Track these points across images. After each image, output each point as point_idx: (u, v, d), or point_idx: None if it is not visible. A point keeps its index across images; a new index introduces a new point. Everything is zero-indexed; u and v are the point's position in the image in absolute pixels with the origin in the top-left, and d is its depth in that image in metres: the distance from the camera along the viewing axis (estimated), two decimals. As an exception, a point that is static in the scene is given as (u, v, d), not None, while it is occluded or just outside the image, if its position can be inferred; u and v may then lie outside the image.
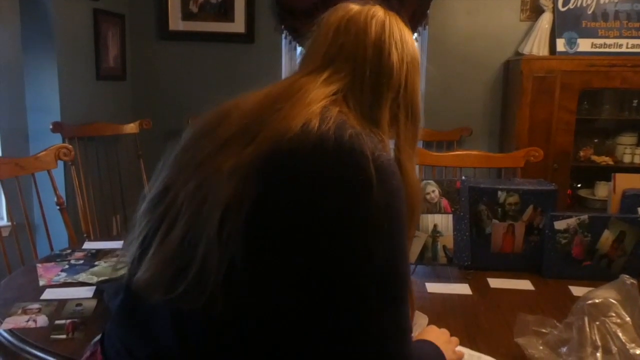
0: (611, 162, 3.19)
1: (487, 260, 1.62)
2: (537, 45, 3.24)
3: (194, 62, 3.48)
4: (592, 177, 3.23)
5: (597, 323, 1.06)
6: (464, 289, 1.48)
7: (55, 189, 2.05)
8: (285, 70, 3.51)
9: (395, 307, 0.71)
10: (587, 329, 1.06)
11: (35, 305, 1.31)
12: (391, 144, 0.85)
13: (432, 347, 0.93)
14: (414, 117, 0.88)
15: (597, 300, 1.10)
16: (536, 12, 3.31)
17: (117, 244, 1.79)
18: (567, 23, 3.20)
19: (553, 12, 3.23)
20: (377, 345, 0.69)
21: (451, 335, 1.05)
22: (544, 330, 1.14)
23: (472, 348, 1.15)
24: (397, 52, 0.85)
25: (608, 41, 3.18)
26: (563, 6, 3.20)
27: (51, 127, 2.67)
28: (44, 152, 2.04)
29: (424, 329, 1.05)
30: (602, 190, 3.16)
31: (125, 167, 3.10)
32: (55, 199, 2.05)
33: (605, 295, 1.12)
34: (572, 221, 1.57)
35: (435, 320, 1.27)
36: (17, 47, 2.73)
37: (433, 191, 1.62)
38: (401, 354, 0.71)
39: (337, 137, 0.71)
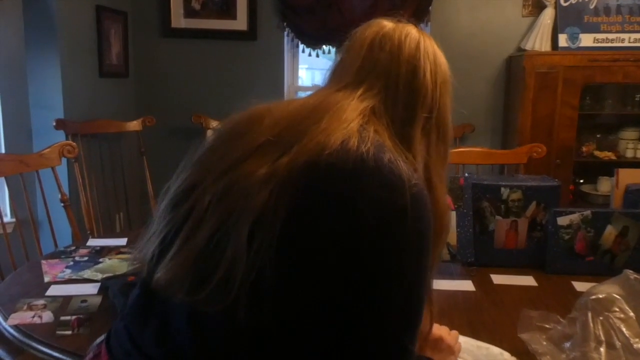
0: (614, 157, 3.18)
1: (490, 257, 1.62)
2: (539, 40, 3.24)
3: (196, 60, 3.48)
4: (595, 173, 3.23)
5: (601, 318, 1.07)
6: (467, 285, 1.49)
7: (59, 186, 2.05)
8: (287, 68, 3.52)
9: (408, 331, 0.72)
10: (591, 324, 1.06)
11: (41, 301, 1.32)
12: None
13: None
14: (444, 137, 0.88)
15: (600, 296, 1.10)
16: (538, 7, 3.30)
17: (121, 241, 1.80)
18: (569, 18, 3.19)
19: (555, 7, 3.22)
20: None
21: (456, 330, 1.05)
22: (547, 326, 1.15)
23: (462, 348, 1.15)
24: (430, 71, 0.86)
25: (610, 36, 3.17)
26: (565, 1, 3.20)
27: (54, 124, 2.68)
28: (48, 149, 2.05)
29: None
30: (604, 185, 3.15)
31: (128, 164, 3.11)
32: (59, 196, 2.05)
33: (608, 290, 1.12)
34: (575, 217, 1.57)
35: (439, 316, 1.27)
36: (20, 44, 2.74)
37: (436, 187, 1.62)
38: None
39: (377, 160, 0.71)
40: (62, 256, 1.65)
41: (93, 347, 0.87)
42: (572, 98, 3.03)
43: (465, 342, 1.10)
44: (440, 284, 1.49)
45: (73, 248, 1.73)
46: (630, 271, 1.17)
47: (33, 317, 1.24)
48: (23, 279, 1.49)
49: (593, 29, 3.18)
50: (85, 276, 1.49)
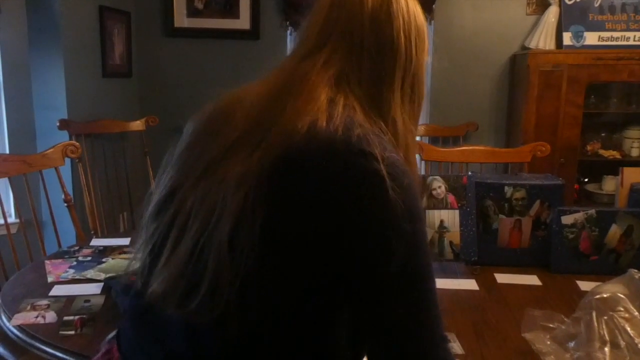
0: (619, 156, 3.17)
1: (494, 256, 1.62)
2: (543, 39, 3.22)
3: (199, 59, 3.48)
4: (600, 172, 3.21)
5: (605, 318, 1.06)
6: (471, 284, 1.48)
7: (62, 186, 2.05)
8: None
9: (420, 309, 0.68)
10: (595, 324, 1.05)
11: (44, 302, 1.32)
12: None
13: None
14: (419, 97, 0.82)
15: (605, 295, 1.10)
16: (542, 5, 3.29)
17: (124, 241, 1.80)
18: (574, 16, 3.18)
19: (559, 5, 3.20)
20: (400, 350, 0.67)
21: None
22: (551, 325, 1.14)
23: (479, 343, 1.15)
24: (402, 25, 0.78)
25: (615, 34, 3.16)
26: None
27: (58, 124, 2.68)
28: (51, 150, 2.05)
29: None
30: (609, 184, 3.14)
31: (131, 164, 3.11)
32: (63, 196, 2.06)
33: (613, 289, 1.12)
34: (579, 216, 1.56)
35: (443, 316, 1.27)
36: (23, 45, 2.74)
37: (439, 187, 1.62)
38: (430, 356, 0.68)
39: (346, 139, 0.68)
40: (66, 256, 1.65)
41: (105, 342, 0.87)
42: (576, 96, 3.02)
43: None
44: (444, 283, 1.48)
45: (76, 248, 1.73)
46: (635, 270, 1.16)
47: (36, 317, 1.24)
48: (26, 279, 1.49)
49: (598, 27, 3.16)
50: (89, 276, 1.49)
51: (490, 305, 1.35)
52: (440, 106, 3.47)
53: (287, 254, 0.66)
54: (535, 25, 3.31)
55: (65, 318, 1.23)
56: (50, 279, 1.47)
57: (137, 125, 3.05)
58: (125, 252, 1.68)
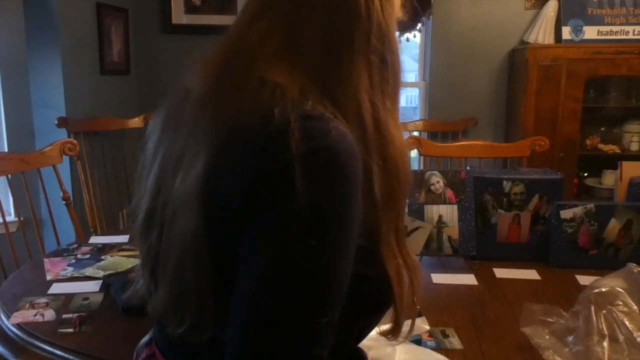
0: (618, 151, 3.17)
1: (492, 251, 1.62)
2: (542, 33, 3.22)
3: (197, 55, 3.47)
4: (599, 166, 3.21)
5: (604, 312, 1.06)
6: (469, 279, 1.48)
7: (61, 184, 2.05)
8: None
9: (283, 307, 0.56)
10: (594, 318, 1.05)
11: (43, 300, 1.32)
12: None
13: None
14: (391, 58, 0.68)
15: (603, 289, 1.10)
16: (541, 0, 3.28)
17: (123, 238, 1.80)
18: (573, 10, 3.17)
19: (558, -1, 3.20)
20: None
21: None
22: (550, 320, 1.14)
23: (478, 338, 1.15)
24: None
25: (614, 28, 3.15)
26: (568, -7, 3.18)
27: (56, 122, 2.68)
28: (49, 147, 2.05)
29: None
30: (608, 178, 3.14)
31: (130, 161, 3.11)
32: (62, 194, 2.06)
33: (612, 283, 1.12)
34: (578, 210, 1.56)
35: (442, 311, 1.27)
36: (21, 42, 2.74)
37: (438, 182, 1.61)
38: None
39: (259, 140, 0.58)
40: (65, 254, 1.65)
41: (141, 346, 0.82)
42: (575, 91, 3.01)
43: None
44: (443, 278, 1.49)
45: (75, 246, 1.73)
46: (634, 264, 1.16)
47: (35, 315, 1.24)
48: (25, 277, 1.49)
49: (597, 21, 3.16)
50: (88, 274, 1.49)
51: (489, 300, 1.36)
52: (438, 101, 3.47)
53: (235, 262, 0.60)
54: (534, 19, 3.30)
55: (64, 316, 1.24)
56: (49, 277, 1.47)
57: (136, 122, 3.05)
58: (124, 250, 1.68)
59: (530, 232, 1.62)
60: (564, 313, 1.14)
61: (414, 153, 2.60)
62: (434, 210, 1.60)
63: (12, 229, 2.10)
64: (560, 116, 3.04)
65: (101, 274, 1.48)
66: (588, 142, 3.23)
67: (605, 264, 1.51)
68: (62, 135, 2.63)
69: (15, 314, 1.24)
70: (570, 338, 1.07)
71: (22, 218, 1.98)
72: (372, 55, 0.65)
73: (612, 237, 1.56)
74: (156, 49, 3.50)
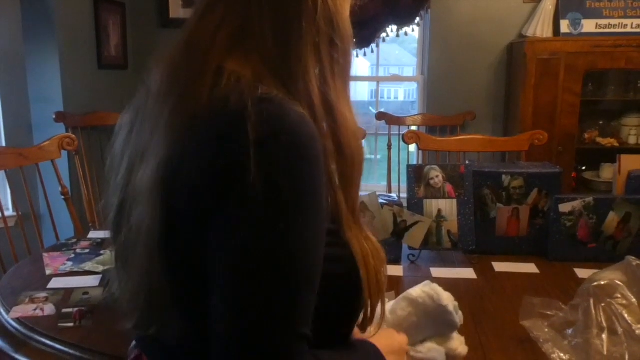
0: (616, 144, 3.17)
1: (492, 244, 1.62)
2: (541, 27, 3.21)
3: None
4: (597, 160, 3.21)
5: (603, 305, 1.06)
6: (469, 273, 1.49)
7: (59, 179, 2.05)
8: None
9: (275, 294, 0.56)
10: (593, 311, 1.06)
11: (43, 294, 1.32)
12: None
13: (367, 351, 0.75)
14: (340, 40, 0.68)
15: (602, 282, 1.10)
16: (540, -7, 3.28)
17: (122, 233, 1.80)
18: (571, 4, 3.16)
19: (557, -7, 3.19)
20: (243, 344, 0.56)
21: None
22: (549, 313, 1.15)
23: (477, 331, 1.15)
24: None
25: (613, 21, 3.14)
26: (567, -13, 3.17)
27: (54, 117, 2.67)
28: (47, 142, 2.05)
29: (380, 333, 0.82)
30: (607, 172, 3.14)
31: (128, 156, 3.10)
32: (60, 189, 2.05)
33: (610, 276, 1.12)
34: (577, 204, 1.56)
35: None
36: (18, 37, 2.73)
37: (437, 176, 1.61)
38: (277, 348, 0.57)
39: (217, 124, 0.59)
40: (64, 249, 1.65)
41: (132, 348, 0.82)
42: (574, 84, 3.01)
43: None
44: (442, 272, 1.49)
45: (74, 241, 1.73)
46: (633, 257, 1.16)
47: (35, 309, 1.24)
48: (25, 272, 1.49)
49: (595, 14, 3.15)
50: (87, 268, 1.49)
51: (489, 294, 1.36)
52: (437, 95, 3.47)
53: (191, 252, 0.61)
54: (532, 13, 3.29)
55: (64, 310, 1.24)
56: (48, 272, 1.47)
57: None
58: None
59: (529, 226, 1.62)
60: (563, 306, 1.15)
61: (412, 147, 2.60)
62: (433, 205, 1.60)
63: (11, 223, 2.10)
64: (559, 110, 3.04)
65: (101, 268, 1.48)
66: (586, 135, 3.23)
67: (604, 257, 1.51)
68: (59, 129, 2.62)
69: (15, 308, 1.24)
70: (570, 331, 1.08)
71: (20, 213, 1.98)
72: (320, 38, 0.66)
73: (610, 231, 1.56)
74: (154, 43, 3.48)
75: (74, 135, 2.14)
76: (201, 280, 0.59)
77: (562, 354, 1.03)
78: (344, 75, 0.70)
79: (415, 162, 3.21)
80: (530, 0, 3.32)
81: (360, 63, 6.02)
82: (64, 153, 2.14)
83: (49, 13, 2.71)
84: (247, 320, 0.56)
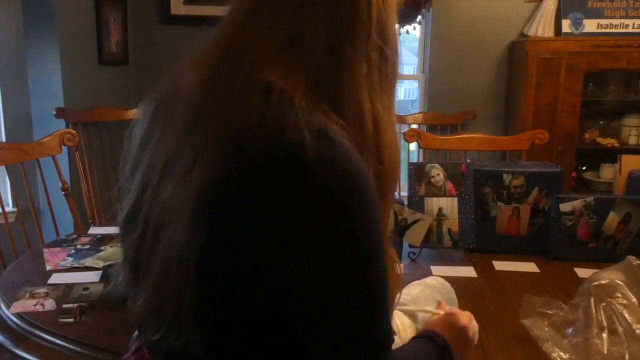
0: (617, 144, 3.17)
1: (492, 243, 1.62)
2: (542, 26, 3.21)
3: (196, 46, 3.45)
4: (597, 160, 3.22)
5: (603, 304, 1.06)
6: (469, 271, 1.49)
7: (60, 175, 2.05)
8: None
9: (364, 318, 0.61)
10: (593, 310, 1.06)
11: (43, 290, 1.32)
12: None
13: (431, 344, 0.81)
14: (392, 54, 0.66)
15: (603, 282, 1.10)
16: (541, -8, 3.27)
17: (122, 229, 1.80)
18: (573, 3, 3.16)
19: (558, -8, 3.19)
20: None
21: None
22: (549, 312, 1.15)
23: (478, 330, 1.15)
24: None
25: (614, 21, 3.14)
26: (568, -14, 3.17)
27: (54, 112, 2.67)
28: (48, 138, 2.04)
29: (441, 316, 0.92)
30: (607, 172, 3.14)
31: (129, 152, 3.10)
32: (60, 185, 2.05)
33: (611, 276, 1.12)
34: (577, 203, 1.56)
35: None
36: (19, 33, 2.72)
37: (438, 174, 1.61)
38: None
39: (271, 156, 0.57)
40: (64, 244, 1.65)
41: (133, 340, 0.82)
42: (575, 84, 3.01)
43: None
44: (442, 271, 1.49)
45: (75, 236, 1.73)
46: (633, 257, 1.16)
47: (35, 305, 1.24)
48: (25, 267, 1.49)
49: (597, 14, 3.15)
50: (87, 264, 1.49)
51: (489, 292, 1.36)
52: (438, 94, 3.46)
53: (232, 277, 0.60)
54: (534, 12, 3.29)
55: (64, 306, 1.24)
56: (48, 267, 1.47)
57: (134, 113, 3.03)
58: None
59: (530, 225, 1.62)
60: (563, 305, 1.15)
61: (413, 146, 2.60)
62: (434, 203, 1.60)
63: (11, 219, 2.10)
64: (560, 109, 3.04)
65: (101, 264, 1.48)
66: (587, 135, 3.23)
67: (604, 257, 1.51)
68: (60, 125, 2.62)
69: (15, 303, 1.24)
70: (570, 330, 1.08)
71: (20, 208, 1.98)
72: (372, 51, 0.64)
73: (610, 230, 1.56)
74: (155, 40, 3.48)
75: (74, 131, 2.14)
76: (234, 298, 0.60)
77: (562, 353, 1.03)
78: (391, 90, 0.68)
79: (416, 161, 3.21)
80: (531, -1, 3.32)
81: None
82: (65, 149, 2.14)
83: (50, 8, 2.70)
84: (359, 334, 0.60)
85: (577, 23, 3.15)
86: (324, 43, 0.62)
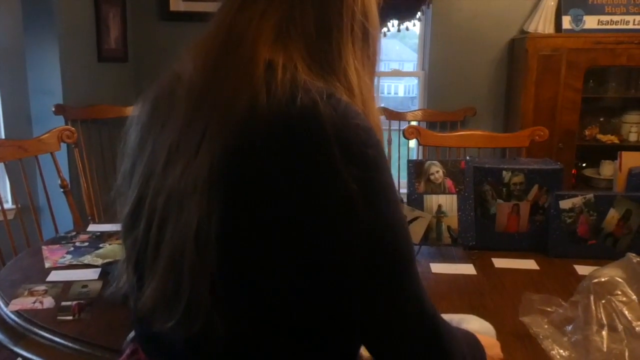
0: (617, 141, 3.16)
1: (491, 240, 1.62)
2: (542, 23, 3.20)
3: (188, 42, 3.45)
4: (598, 156, 3.21)
5: (603, 301, 1.06)
6: (468, 269, 1.48)
7: (58, 172, 2.04)
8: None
9: (401, 276, 0.64)
10: (593, 308, 1.06)
11: (41, 287, 1.32)
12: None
13: (477, 341, 0.83)
14: (373, 37, 0.71)
15: (602, 279, 1.10)
16: (542, -11, 3.26)
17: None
18: (573, 0, 3.15)
19: (559, -11, 3.18)
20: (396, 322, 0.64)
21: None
22: (549, 309, 1.14)
23: None
24: None
25: (615, 18, 3.13)
26: (569, -17, 3.16)
27: (53, 109, 2.67)
28: (47, 135, 2.04)
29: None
30: (607, 169, 3.14)
31: (128, 149, 3.10)
32: (59, 182, 2.05)
33: (611, 273, 1.12)
34: (577, 200, 1.56)
35: (440, 300, 1.27)
36: (18, 29, 2.71)
37: (437, 171, 1.61)
38: (425, 315, 0.65)
39: (287, 111, 0.60)
40: (63, 242, 1.65)
41: (127, 342, 0.83)
42: (575, 81, 3.00)
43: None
44: (441, 268, 1.49)
45: (73, 234, 1.73)
46: (633, 254, 1.16)
47: (34, 302, 1.24)
48: (24, 264, 1.49)
49: (597, 10, 3.14)
50: (86, 261, 1.48)
51: (488, 290, 1.36)
52: (438, 91, 3.46)
53: (251, 253, 0.62)
54: (534, 9, 3.28)
55: (63, 303, 1.23)
56: (47, 265, 1.47)
57: (134, 110, 3.03)
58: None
59: (529, 222, 1.62)
60: (562, 303, 1.14)
61: (412, 143, 2.59)
62: (434, 200, 1.60)
63: (10, 216, 2.10)
64: (560, 106, 3.04)
65: (100, 261, 1.47)
66: (587, 132, 3.22)
67: (604, 254, 1.51)
68: (59, 122, 2.62)
69: (14, 301, 1.24)
70: (569, 327, 1.07)
71: (19, 205, 1.97)
72: (356, 31, 0.69)
73: (610, 227, 1.56)
74: (154, 36, 3.47)
75: (73, 128, 2.13)
76: (259, 274, 0.62)
77: (561, 350, 1.03)
78: (372, 69, 0.73)
79: (415, 158, 3.21)
80: (532, -4, 3.31)
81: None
82: (64, 146, 2.13)
83: (49, 5, 2.69)
84: (417, 299, 0.64)
85: (577, 19, 3.14)
86: (314, 23, 0.67)
